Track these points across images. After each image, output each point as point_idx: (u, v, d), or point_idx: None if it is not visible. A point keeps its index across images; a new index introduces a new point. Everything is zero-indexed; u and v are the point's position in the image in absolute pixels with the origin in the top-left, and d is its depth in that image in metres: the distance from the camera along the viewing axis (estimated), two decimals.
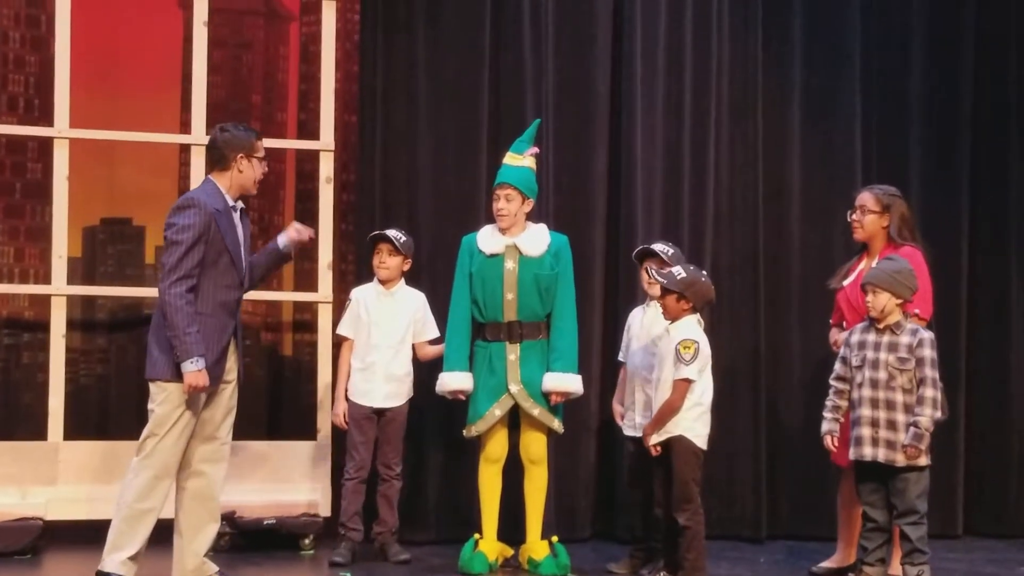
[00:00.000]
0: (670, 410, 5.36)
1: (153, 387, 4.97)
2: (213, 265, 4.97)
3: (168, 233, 4.95)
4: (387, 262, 6.00)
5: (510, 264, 5.80)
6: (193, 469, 5.08)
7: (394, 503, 6.00)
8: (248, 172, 5.11)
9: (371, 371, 5.97)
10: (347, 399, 6.02)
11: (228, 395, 5.13)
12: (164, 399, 4.94)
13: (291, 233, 5.29)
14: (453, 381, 5.82)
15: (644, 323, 5.88)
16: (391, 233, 6.03)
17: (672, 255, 5.75)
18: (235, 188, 5.11)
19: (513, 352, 5.79)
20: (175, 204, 5.01)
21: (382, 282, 6.02)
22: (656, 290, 5.58)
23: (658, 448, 5.41)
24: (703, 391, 5.41)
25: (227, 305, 5.03)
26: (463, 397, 5.85)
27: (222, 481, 5.17)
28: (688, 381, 5.34)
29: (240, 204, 5.17)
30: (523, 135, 5.93)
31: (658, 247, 5.82)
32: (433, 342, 6.09)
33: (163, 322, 4.91)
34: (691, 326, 5.44)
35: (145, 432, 4.99)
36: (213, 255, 4.96)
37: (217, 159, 5.11)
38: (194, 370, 4.86)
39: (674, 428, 5.38)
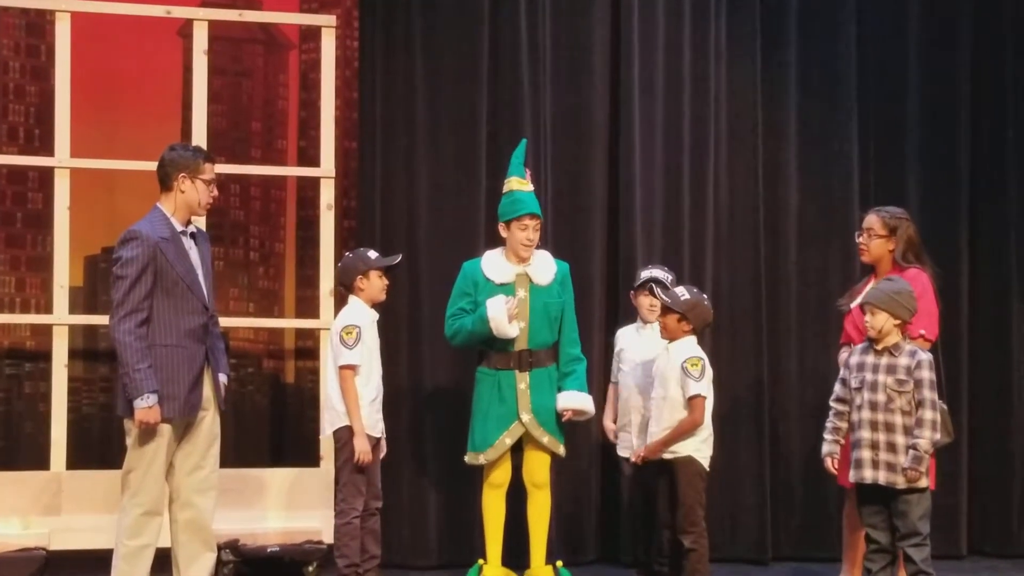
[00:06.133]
0: (692, 426, 5.46)
1: (126, 423, 4.96)
2: (169, 294, 4.90)
3: (114, 268, 4.90)
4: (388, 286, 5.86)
5: (521, 293, 5.81)
6: (183, 501, 5.05)
7: (380, 537, 5.76)
8: (191, 194, 5.01)
9: (378, 400, 5.73)
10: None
11: (208, 423, 5.07)
12: (136, 435, 4.92)
13: None
14: (495, 305, 5.68)
15: (639, 345, 5.92)
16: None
17: (672, 280, 5.85)
18: (180, 211, 5.02)
19: (523, 381, 5.80)
20: (119, 237, 4.94)
21: (371, 305, 5.77)
22: (655, 315, 5.66)
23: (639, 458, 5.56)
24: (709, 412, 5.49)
25: (194, 332, 4.96)
26: (514, 303, 5.73)
27: (213, 510, 5.13)
28: (703, 397, 5.43)
29: (193, 228, 5.09)
30: (517, 156, 5.94)
31: (659, 274, 5.86)
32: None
33: None
34: (693, 345, 5.53)
35: (124, 468, 4.98)
36: (167, 284, 4.90)
37: (162, 178, 5.04)
38: (144, 407, 4.81)
39: (682, 449, 5.47)
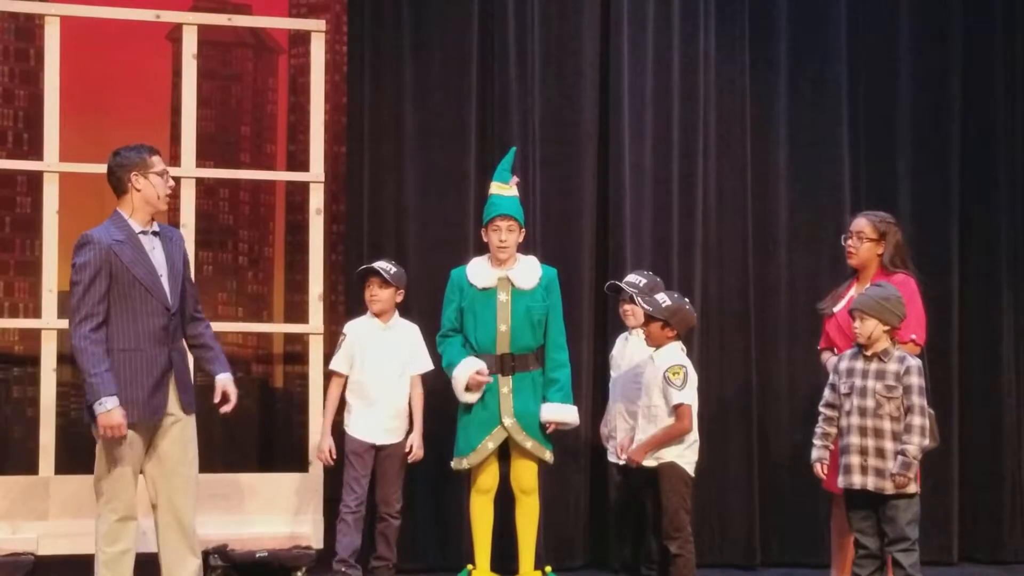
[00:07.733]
0: (680, 433, 5.45)
1: (93, 429, 4.91)
2: (126, 297, 4.84)
3: (71, 275, 4.89)
4: (378, 295, 5.90)
5: (503, 297, 5.80)
6: (164, 506, 5.01)
7: (393, 541, 5.88)
8: (147, 190, 4.95)
9: (374, 407, 5.82)
10: (345, 433, 5.89)
11: (180, 429, 4.99)
12: (102, 441, 4.87)
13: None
14: (464, 367, 5.73)
15: (626, 352, 5.91)
16: (379, 265, 5.93)
17: (644, 285, 5.77)
18: (139, 211, 4.96)
19: (506, 385, 5.79)
20: (75, 244, 4.92)
21: (376, 315, 5.92)
22: (632, 320, 5.65)
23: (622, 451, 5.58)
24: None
25: (154, 334, 4.88)
26: (487, 378, 5.75)
27: (194, 513, 5.07)
28: (689, 405, 5.43)
29: (156, 227, 5.01)
30: (503, 163, 5.96)
31: (630, 279, 5.84)
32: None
33: None
34: (676, 352, 5.51)
35: (95, 475, 4.94)
36: (123, 287, 4.84)
37: (114, 185, 4.99)
38: (103, 412, 4.74)
39: (666, 455, 5.46)
